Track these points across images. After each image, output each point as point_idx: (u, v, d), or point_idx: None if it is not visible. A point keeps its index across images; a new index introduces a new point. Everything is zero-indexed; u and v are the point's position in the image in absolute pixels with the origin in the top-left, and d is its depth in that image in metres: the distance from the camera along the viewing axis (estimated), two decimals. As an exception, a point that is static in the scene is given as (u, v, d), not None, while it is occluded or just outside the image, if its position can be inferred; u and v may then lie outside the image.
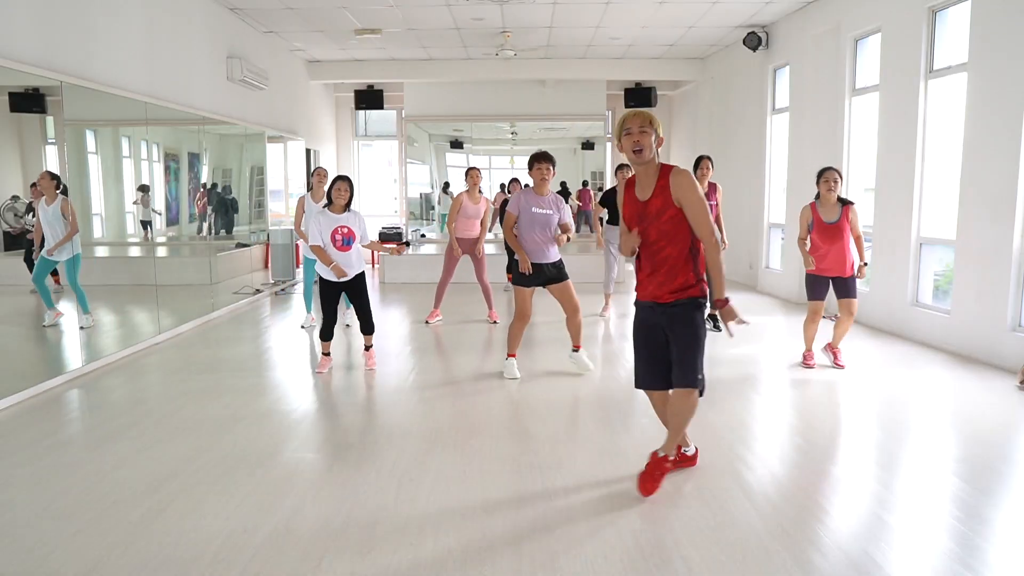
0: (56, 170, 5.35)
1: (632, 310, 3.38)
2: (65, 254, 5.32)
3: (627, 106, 12.78)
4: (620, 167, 7.07)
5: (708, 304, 6.89)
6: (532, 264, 5.07)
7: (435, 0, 8.07)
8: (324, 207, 5.33)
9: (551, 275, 5.16)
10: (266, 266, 9.94)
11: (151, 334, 6.42)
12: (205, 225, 8.09)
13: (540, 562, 2.65)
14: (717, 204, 6.82)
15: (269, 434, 4.05)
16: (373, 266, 11.99)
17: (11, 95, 5.04)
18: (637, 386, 3.41)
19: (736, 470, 3.51)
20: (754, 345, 6.29)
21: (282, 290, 9.53)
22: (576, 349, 5.38)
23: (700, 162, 6.67)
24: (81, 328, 5.55)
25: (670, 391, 3.27)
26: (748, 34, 9.26)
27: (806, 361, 5.53)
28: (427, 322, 7.30)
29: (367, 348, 5.58)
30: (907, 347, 6.22)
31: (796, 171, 8.64)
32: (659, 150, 3.20)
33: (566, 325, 5.38)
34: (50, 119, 5.39)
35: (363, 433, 4.07)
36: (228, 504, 3.13)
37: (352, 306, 5.60)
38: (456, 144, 13.83)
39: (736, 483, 3.35)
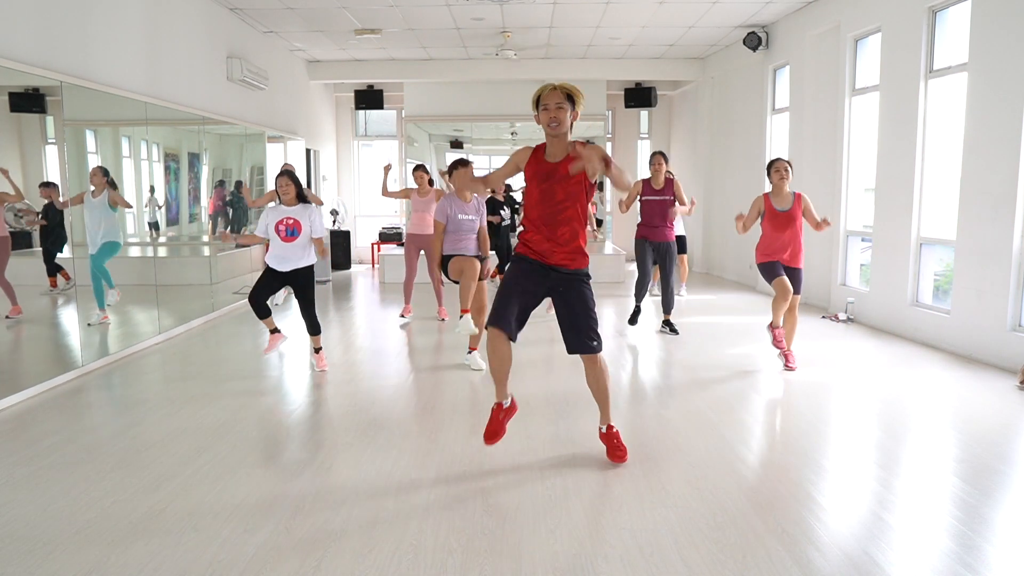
0: (56, 170, 5.36)
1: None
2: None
3: (627, 106, 12.78)
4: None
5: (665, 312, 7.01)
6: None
7: (435, 0, 8.07)
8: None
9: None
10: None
11: (151, 334, 6.42)
12: (219, 221, 8.10)
13: (540, 561, 2.66)
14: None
15: (269, 434, 4.05)
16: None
17: (11, 95, 5.04)
18: (489, 324, 3.43)
19: (736, 470, 3.52)
20: (754, 345, 6.29)
21: (282, 290, 9.52)
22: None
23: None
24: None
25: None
26: (748, 34, 9.26)
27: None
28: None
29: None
30: (907, 347, 6.22)
31: (796, 171, 8.62)
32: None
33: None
34: (50, 119, 5.39)
35: (363, 433, 4.07)
36: (228, 504, 3.13)
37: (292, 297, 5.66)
38: (456, 144, 13.81)
39: (736, 483, 3.36)
